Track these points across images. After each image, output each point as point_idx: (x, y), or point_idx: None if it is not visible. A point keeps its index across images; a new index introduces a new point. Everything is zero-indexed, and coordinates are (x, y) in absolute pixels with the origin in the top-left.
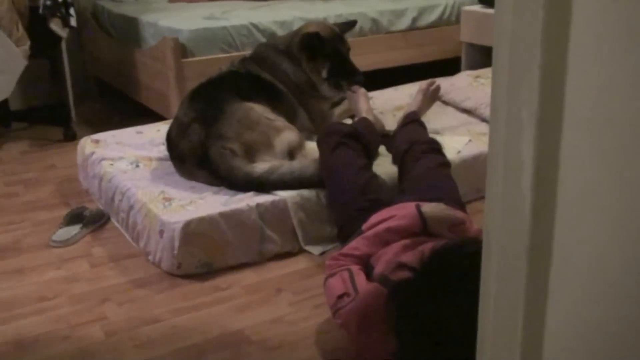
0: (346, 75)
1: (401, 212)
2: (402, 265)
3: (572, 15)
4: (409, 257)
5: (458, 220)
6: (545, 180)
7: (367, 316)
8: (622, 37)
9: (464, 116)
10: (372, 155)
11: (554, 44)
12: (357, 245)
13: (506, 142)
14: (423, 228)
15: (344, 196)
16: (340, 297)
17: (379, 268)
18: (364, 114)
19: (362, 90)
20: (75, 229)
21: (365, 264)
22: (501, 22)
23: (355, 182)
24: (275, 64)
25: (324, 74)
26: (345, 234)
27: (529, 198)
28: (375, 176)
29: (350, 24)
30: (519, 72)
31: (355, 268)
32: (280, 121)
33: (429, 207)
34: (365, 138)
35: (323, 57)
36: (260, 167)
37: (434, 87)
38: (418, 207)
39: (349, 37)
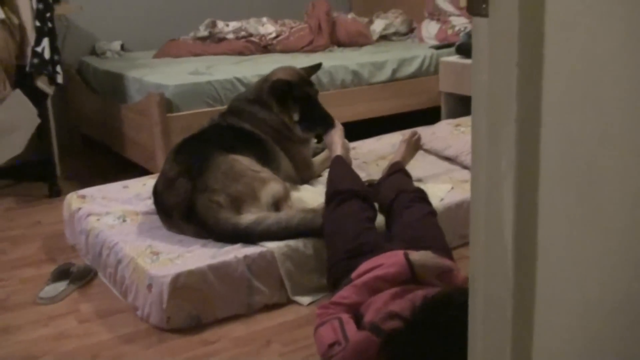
0: (317, 118)
1: (390, 261)
2: (393, 315)
3: (543, 71)
4: (399, 306)
5: (446, 268)
6: (526, 227)
7: None
8: (589, 91)
9: (446, 164)
10: (376, 211)
11: (529, 98)
12: (346, 293)
13: (487, 191)
14: (412, 276)
15: (339, 240)
16: (331, 345)
17: (368, 316)
18: (338, 152)
19: (339, 125)
20: (62, 286)
21: (355, 312)
22: (478, 78)
23: (354, 228)
24: (251, 114)
25: (295, 117)
26: (333, 278)
27: (511, 245)
28: (373, 227)
29: (316, 67)
30: (496, 124)
31: (345, 317)
32: (265, 172)
33: (417, 255)
34: (369, 196)
35: (293, 102)
36: (247, 218)
37: (416, 137)
38: (406, 255)
39: (330, 89)
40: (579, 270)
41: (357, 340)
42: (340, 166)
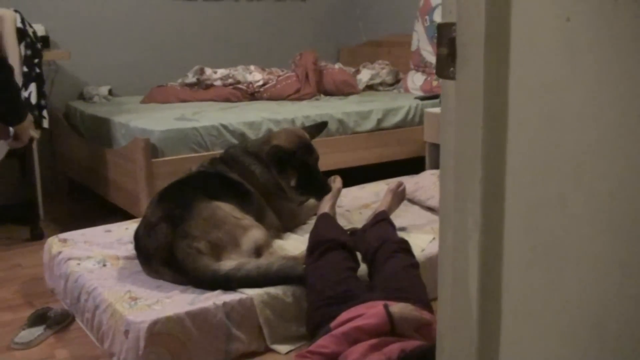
0: (314, 187)
1: (370, 312)
2: None
3: (507, 135)
4: (376, 358)
5: (425, 321)
6: (491, 285)
7: None
8: (550, 155)
9: (429, 214)
10: (358, 263)
11: (493, 159)
12: (325, 343)
13: (454, 249)
14: (391, 328)
15: (320, 286)
16: None
17: None
18: (326, 209)
19: (338, 184)
20: (38, 330)
21: None
22: (445, 138)
23: (336, 276)
24: (244, 165)
25: (292, 183)
26: (313, 325)
27: (476, 303)
28: (355, 276)
29: (320, 127)
30: (463, 184)
31: None
32: (247, 219)
33: (397, 308)
34: (353, 248)
35: (291, 169)
36: (227, 264)
37: (402, 187)
38: (386, 307)
39: (316, 137)
40: (541, 329)
41: None
42: (326, 220)
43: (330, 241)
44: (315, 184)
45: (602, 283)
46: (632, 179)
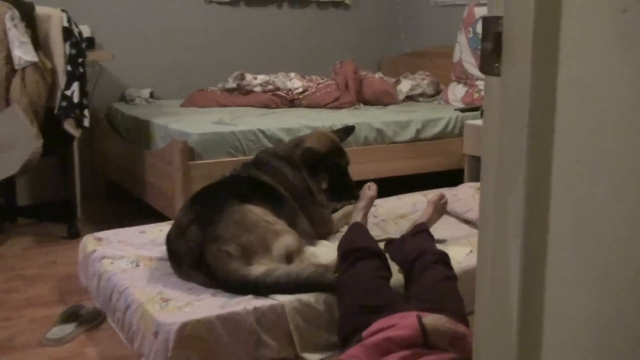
0: (344, 191)
1: (402, 322)
2: None
3: (555, 133)
4: None
5: (459, 334)
6: (533, 295)
7: None
8: (601, 155)
9: (466, 227)
10: (391, 272)
11: (538, 160)
12: (355, 352)
13: (493, 255)
14: (423, 340)
15: (353, 295)
16: None
17: None
18: (359, 218)
19: (372, 192)
20: (70, 328)
21: None
22: (488, 137)
23: (368, 285)
24: (275, 169)
25: (324, 185)
26: (345, 333)
27: (516, 313)
28: (388, 285)
29: (348, 130)
30: (505, 186)
31: None
32: (279, 224)
33: (430, 320)
34: (386, 257)
35: (323, 171)
36: (257, 270)
37: (443, 200)
38: (419, 319)
39: (353, 145)
40: (584, 343)
41: None
42: (358, 229)
43: (362, 249)
44: (346, 187)
45: None
46: None
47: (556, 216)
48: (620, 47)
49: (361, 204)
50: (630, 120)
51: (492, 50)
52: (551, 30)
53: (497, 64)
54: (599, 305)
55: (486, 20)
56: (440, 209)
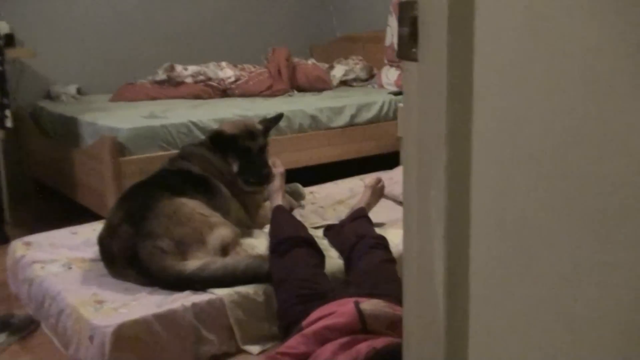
0: (253, 174)
1: (340, 310)
2: None
3: (473, 118)
4: (345, 358)
5: (397, 318)
6: (458, 279)
7: None
8: (518, 140)
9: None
10: (323, 256)
11: (458, 145)
12: (294, 344)
13: (418, 242)
14: (362, 326)
15: (289, 286)
16: None
17: None
18: (279, 200)
19: (280, 169)
20: (1, 338)
21: None
22: (408, 124)
23: (303, 274)
24: (203, 157)
25: (235, 168)
26: (286, 323)
27: (442, 295)
28: (322, 272)
29: (276, 119)
30: (426, 172)
31: None
32: (215, 217)
33: (368, 305)
34: (315, 242)
35: (232, 154)
36: (192, 264)
37: (380, 184)
38: (357, 305)
39: (288, 133)
40: (510, 321)
41: None
42: (282, 215)
43: (290, 239)
44: (255, 171)
45: (574, 271)
46: (601, 154)
47: (477, 202)
48: (532, 30)
49: (275, 185)
50: (544, 102)
51: (409, 35)
52: (466, 15)
53: (414, 49)
54: (523, 289)
55: (402, 4)
56: (377, 192)
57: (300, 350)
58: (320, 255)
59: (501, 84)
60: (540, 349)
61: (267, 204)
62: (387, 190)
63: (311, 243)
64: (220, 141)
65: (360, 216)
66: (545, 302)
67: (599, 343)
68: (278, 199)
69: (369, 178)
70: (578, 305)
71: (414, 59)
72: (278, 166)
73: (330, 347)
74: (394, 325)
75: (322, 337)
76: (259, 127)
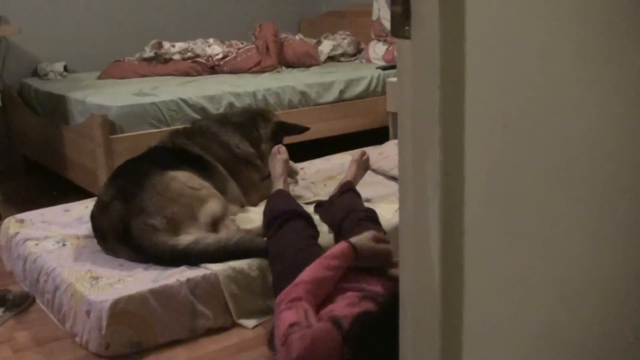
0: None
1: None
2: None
3: (465, 94)
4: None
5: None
6: (453, 249)
7: (314, 350)
8: (509, 114)
9: (394, 184)
10: (318, 231)
11: (451, 120)
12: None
13: (414, 214)
14: (354, 255)
15: (286, 258)
16: (291, 325)
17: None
18: (281, 185)
19: (284, 155)
20: None
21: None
22: (403, 100)
23: (298, 245)
24: (214, 136)
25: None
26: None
27: (438, 267)
28: (317, 243)
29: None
30: (421, 147)
31: (310, 310)
32: (205, 189)
33: (356, 238)
34: (310, 217)
35: (273, 138)
36: (185, 239)
37: (365, 157)
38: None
39: (278, 109)
40: (504, 292)
41: (319, 328)
42: (281, 195)
43: (286, 212)
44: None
45: (564, 244)
46: (590, 133)
47: (471, 173)
48: (521, 6)
49: (277, 171)
50: (536, 75)
51: (401, 13)
52: None
53: (407, 27)
54: (516, 255)
55: None
56: (363, 165)
57: (309, 277)
58: (315, 229)
59: (492, 59)
60: (530, 305)
61: (264, 183)
62: (377, 165)
63: (307, 217)
64: (282, 130)
65: (347, 189)
66: (533, 261)
67: (584, 301)
68: (279, 185)
69: (355, 152)
70: (565, 264)
71: (407, 37)
72: (282, 153)
73: (339, 303)
74: (382, 258)
75: (323, 266)
76: None
